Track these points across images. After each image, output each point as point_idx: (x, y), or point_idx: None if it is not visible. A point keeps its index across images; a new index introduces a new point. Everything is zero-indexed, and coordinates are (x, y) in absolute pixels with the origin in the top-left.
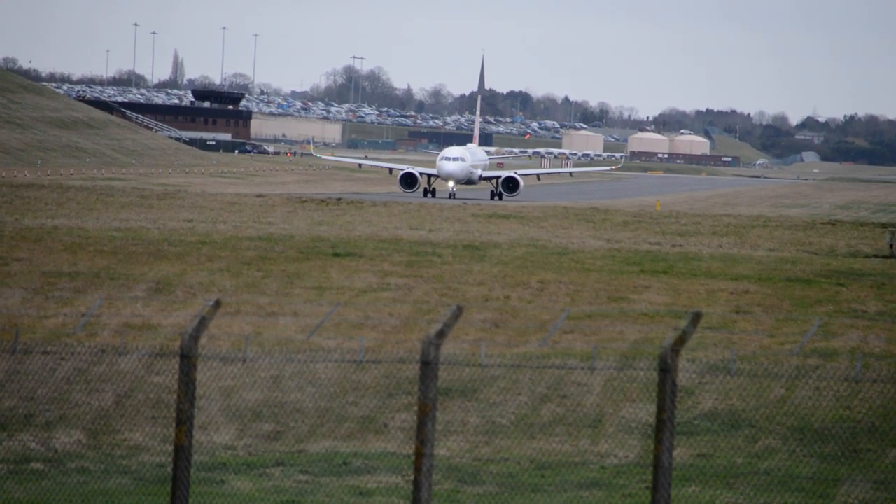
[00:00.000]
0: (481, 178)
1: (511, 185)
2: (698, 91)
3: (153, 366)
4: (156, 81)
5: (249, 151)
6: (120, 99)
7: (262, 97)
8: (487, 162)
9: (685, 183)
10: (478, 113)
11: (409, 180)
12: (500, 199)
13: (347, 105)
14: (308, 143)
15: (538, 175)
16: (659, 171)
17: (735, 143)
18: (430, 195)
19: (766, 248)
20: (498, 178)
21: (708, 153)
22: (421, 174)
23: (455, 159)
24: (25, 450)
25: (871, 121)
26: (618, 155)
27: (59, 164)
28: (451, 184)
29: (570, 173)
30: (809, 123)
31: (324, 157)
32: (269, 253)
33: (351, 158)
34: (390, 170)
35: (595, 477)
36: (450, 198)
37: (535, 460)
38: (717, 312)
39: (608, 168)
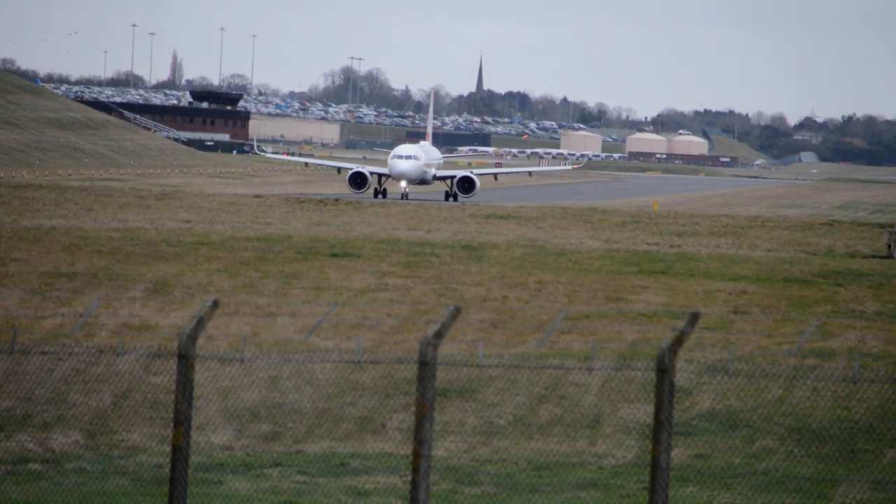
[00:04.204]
0: (435, 177)
1: (467, 185)
2: (696, 92)
3: (151, 366)
4: (154, 82)
5: (248, 152)
6: (118, 99)
7: (260, 98)
8: (441, 161)
9: (683, 183)
10: (430, 109)
11: (358, 180)
12: (455, 199)
13: (346, 105)
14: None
15: (495, 175)
16: (657, 172)
17: (733, 143)
18: (380, 196)
19: (764, 249)
20: (453, 177)
21: (706, 154)
22: (371, 174)
23: (408, 157)
24: (23, 450)
25: (870, 121)
26: (582, 155)
27: (57, 164)
28: (403, 184)
29: (530, 173)
30: (807, 124)
31: (268, 155)
32: (267, 253)
33: (298, 158)
34: (339, 169)
35: (593, 477)
36: (402, 198)
37: (532, 461)
38: (715, 313)
39: (570, 167)
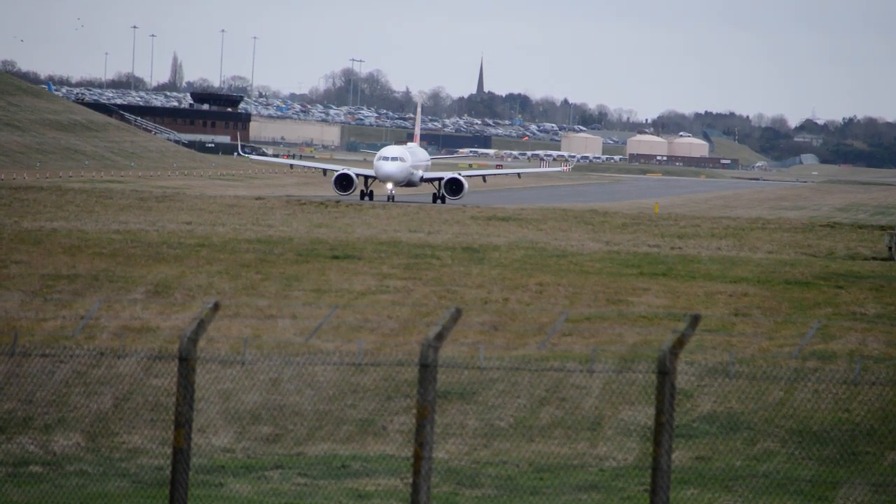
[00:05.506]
0: (422, 179)
1: (455, 187)
2: (697, 93)
3: (152, 368)
4: (154, 84)
5: (247, 153)
6: (119, 101)
7: (260, 100)
8: (429, 162)
9: (684, 185)
10: (419, 110)
11: (344, 182)
12: (444, 202)
13: (346, 107)
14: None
15: (484, 177)
16: (658, 174)
17: (734, 145)
18: (367, 198)
19: (764, 251)
20: (440, 179)
21: (707, 155)
22: (357, 175)
23: (394, 159)
24: (24, 453)
25: (870, 123)
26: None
27: (57, 166)
28: (389, 186)
29: (518, 175)
30: (808, 126)
31: (252, 157)
32: (268, 255)
33: (283, 160)
34: (324, 171)
35: (593, 480)
36: (388, 200)
37: (533, 463)
38: (716, 315)
39: (561, 168)
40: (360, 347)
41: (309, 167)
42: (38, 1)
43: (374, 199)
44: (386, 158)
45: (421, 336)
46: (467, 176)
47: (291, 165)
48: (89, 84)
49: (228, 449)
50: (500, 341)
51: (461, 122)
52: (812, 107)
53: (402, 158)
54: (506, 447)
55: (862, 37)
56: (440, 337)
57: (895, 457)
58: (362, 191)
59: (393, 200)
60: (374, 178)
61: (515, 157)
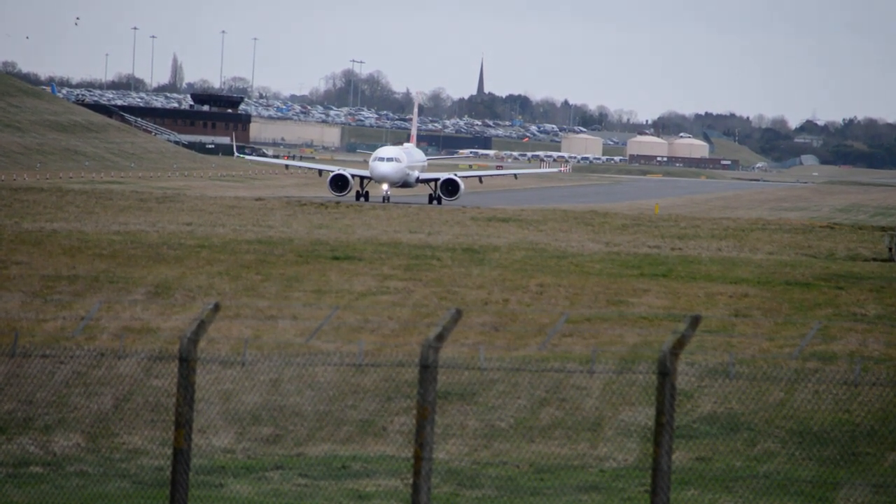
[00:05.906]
0: (418, 180)
1: (451, 188)
2: (697, 94)
3: (152, 369)
4: (155, 85)
5: (249, 155)
6: (119, 102)
7: (261, 101)
8: (425, 163)
9: (684, 186)
10: (415, 110)
11: (339, 183)
12: (440, 202)
13: (346, 108)
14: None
15: (480, 178)
16: (658, 175)
17: (734, 146)
18: (362, 199)
19: (765, 252)
20: (436, 180)
21: (707, 156)
22: (353, 176)
23: (389, 160)
24: (24, 453)
25: (870, 124)
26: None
27: (58, 167)
28: (384, 186)
29: (515, 175)
30: (808, 127)
31: (247, 158)
32: (269, 256)
33: (278, 161)
34: (320, 171)
35: (594, 480)
36: (384, 201)
37: (534, 464)
38: (717, 316)
39: (557, 169)
40: (361, 348)
41: (304, 168)
42: (38, 2)
43: (370, 199)
44: (381, 159)
45: (421, 337)
46: (464, 177)
47: (287, 166)
48: (90, 85)
49: (229, 449)
50: (500, 342)
51: (461, 123)
52: (812, 108)
53: (397, 159)
54: (506, 448)
55: (862, 38)
56: (440, 338)
57: (895, 458)
58: (358, 191)
59: (388, 201)
60: (370, 178)
61: (515, 158)
